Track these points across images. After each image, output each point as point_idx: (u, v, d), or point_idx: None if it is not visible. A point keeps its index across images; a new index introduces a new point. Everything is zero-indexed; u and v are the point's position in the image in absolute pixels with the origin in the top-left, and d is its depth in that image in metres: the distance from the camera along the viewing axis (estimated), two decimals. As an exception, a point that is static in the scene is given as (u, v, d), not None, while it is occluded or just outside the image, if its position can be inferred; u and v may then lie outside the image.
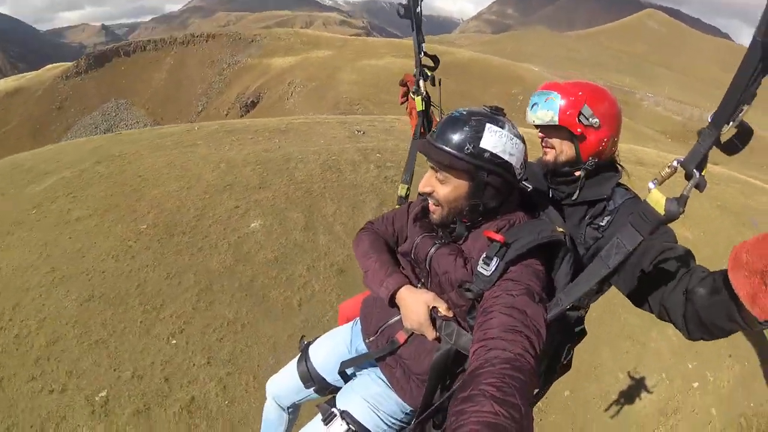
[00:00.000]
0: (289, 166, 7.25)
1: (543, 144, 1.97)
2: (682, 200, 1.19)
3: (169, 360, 4.95)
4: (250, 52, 49.98)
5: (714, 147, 1.18)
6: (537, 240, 1.45)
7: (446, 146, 1.49)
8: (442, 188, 1.56)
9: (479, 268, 1.46)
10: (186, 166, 7.39)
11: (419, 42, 2.34)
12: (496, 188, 1.53)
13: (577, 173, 1.88)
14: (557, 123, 1.83)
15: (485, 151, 1.48)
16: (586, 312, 1.78)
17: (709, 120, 1.15)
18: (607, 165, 1.91)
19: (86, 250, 6.06)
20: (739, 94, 1.06)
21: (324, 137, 8.31)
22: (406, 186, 2.28)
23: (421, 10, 2.30)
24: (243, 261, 5.84)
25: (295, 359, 2.15)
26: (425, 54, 2.37)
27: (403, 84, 2.51)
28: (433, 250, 1.65)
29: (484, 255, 1.47)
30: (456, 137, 1.49)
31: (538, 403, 2.40)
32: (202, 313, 5.33)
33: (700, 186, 1.19)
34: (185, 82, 51.36)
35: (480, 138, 1.48)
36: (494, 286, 1.41)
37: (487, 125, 1.49)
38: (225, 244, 6.00)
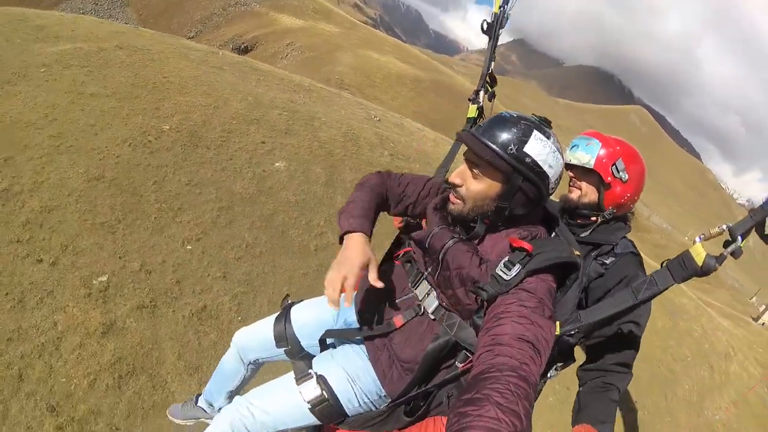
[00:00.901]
0: (314, 123, 7.04)
1: (571, 183, 2.03)
2: (720, 259, 1.27)
3: (183, 264, 4.58)
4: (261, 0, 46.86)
5: (758, 235, 1.30)
6: (560, 257, 1.42)
7: (490, 142, 1.43)
8: (474, 183, 1.50)
9: (498, 271, 1.40)
10: (213, 85, 6.89)
11: (491, 59, 2.41)
12: (527, 196, 1.48)
13: (593, 219, 1.96)
14: (592, 167, 1.90)
15: (527, 156, 1.42)
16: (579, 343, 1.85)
17: (764, 200, 1.26)
18: (621, 218, 1.99)
19: (100, 129, 5.43)
20: None
21: (345, 110, 8.16)
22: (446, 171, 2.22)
23: (499, 34, 2.39)
24: (265, 194, 5.58)
25: (273, 315, 2.00)
26: (491, 74, 2.43)
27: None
28: (450, 242, 1.55)
29: (506, 259, 1.42)
30: (502, 136, 1.43)
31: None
32: (221, 229, 5.00)
33: (735, 253, 1.27)
34: (188, 2, 46.67)
35: (525, 142, 1.42)
36: (508, 294, 1.36)
37: (535, 132, 1.44)
38: (249, 173, 5.69)
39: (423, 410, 1.58)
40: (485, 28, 2.37)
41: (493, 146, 1.42)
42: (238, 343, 2.07)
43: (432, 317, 1.59)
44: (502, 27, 2.37)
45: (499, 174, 1.45)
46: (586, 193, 1.96)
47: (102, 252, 4.41)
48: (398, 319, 1.66)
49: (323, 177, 6.24)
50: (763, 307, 38.01)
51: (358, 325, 1.77)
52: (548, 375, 1.76)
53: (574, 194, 1.99)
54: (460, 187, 1.52)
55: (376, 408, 1.70)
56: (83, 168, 4.96)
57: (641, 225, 46.49)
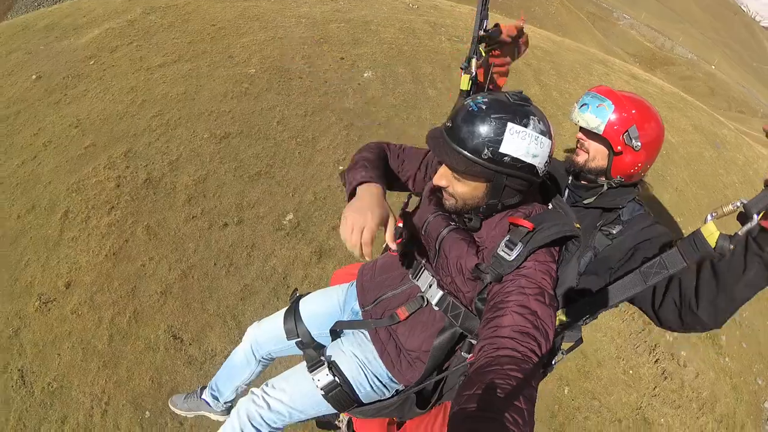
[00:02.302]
0: (371, 27, 7.05)
1: (578, 145, 1.92)
2: (735, 239, 1.23)
3: (346, 183, 4.94)
4: None
5: None
6: (561, 231, 1.39)
7: (462, 148, 1.35)
8: (459, 185, 1.45)
9: (500, 252, 1.38)
10: (263, 18, 6.86)
11: (482, 17, 2.08)
12: (516, 189, 1.44)
13: (601, 180, 1.87)
14: (601, 133, 1.79)
15: (505, 155, 1.33)
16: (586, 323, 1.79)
17: None
18: (630, 184, 1.89)
19: (194, 93, 5.56)
20: None
21: (386, 6, 8.05)
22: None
23: None
24: (372, 103, 5.79)
25: (284, 309, 2.09)
26: (485, 31, 2.08)
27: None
28: (445, 231, 1.56)
29: (506, 239, 1.40)
30: (473, 138, 1.34)
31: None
32: (355, 144, 5.27)
33: (752, 232, 1.22)
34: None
35: (500, 141, 1.32)
36: (507, 280, 1.36)
37: (509, 126, 1.33)
38: (349, 89, 5.88)
39: (435, 400, 1.66)
40: None
41: (465, 153, 1.35)
42: (252, 338, 2.15)
43: (436, 308, 1.61)
44: None
45: (480, 177, 1.40)
46: (594, 157, 1.86)
47: (274, 196, 4.76)
48: (401, 311, 1.68)
49: (409, 75, 6.40)
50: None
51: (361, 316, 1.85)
52: (553, 362, 1.76)
53: (581, 157, 1.89)
54: (447, 188, 1.48)
55: (388, 392, 1.77)
56: (206, 133, 5.17)
57: (666, 58, 45.10)
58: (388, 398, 1.76)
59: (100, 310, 4.03)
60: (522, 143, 1.33)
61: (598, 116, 1.78)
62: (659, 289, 1.54)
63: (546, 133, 1.39)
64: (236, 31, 6.51)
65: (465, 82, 2.08)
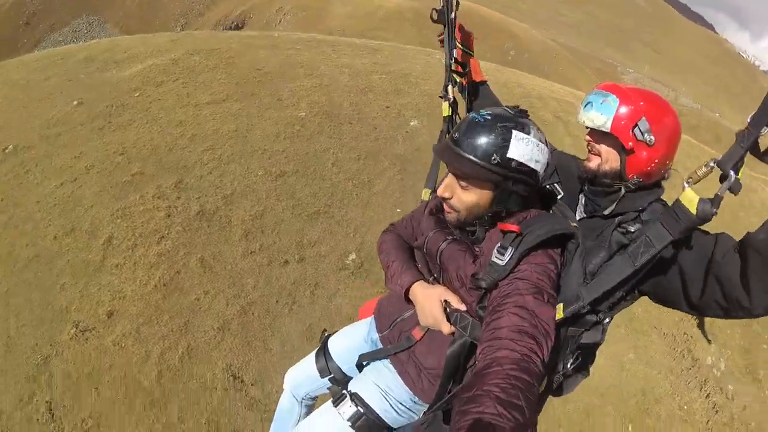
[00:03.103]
0: (410, 79, 7.49)
1: (589, 148, 1.84)
2: (716, 201, 1.21)
3: (405, 226, 5.11)
4: (234, -27, 46.50)
5: (756, 157, 1.22)
6: (552, 230, 1.46)
7: (470, 155, 1.46)
8: (464, 194, 1.54)
9: (493, 258, 1.46)
10: (307, 65, 7.24)
11: (451, 48, 2.30)
12: (520, 195, 1.53)
13: (618, 184, 1.77)
14: (608, 130, 1.70)
15: (512, 160, 1.45)
16: (603, 321, 1.75)
17: (748, 121, 1.16)
18: (651, 185, 1.77)
19: (246, 131, 5.77)
20: None
21: (420, 61, 8.62)
22: (430, 191, 2.19)
23: (455, 16, 2.32)
24: (422, 150, 6.05)
25: (315, 351, 2.23)
26: (456, 61, 2.32)
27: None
28: (444, 245, 1.66)
29: (498, 245, 1.48)
30: (481, 145, 1.45)
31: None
32: (411, 189, 5.48)
33: (734, 188, 1.21)
34: (162, 0, 46.25)
35: (507, 147, 1.45)
36: (504, 284, 1.42)
37: (514, 132, 1.46)
38: (398, 136, 6.16)
39: None
40: (436, 18, 2.32)
41: (475, 159, 1.45)
42: (289, 383, 2.32)
43: None
44: (455, 8, 2.30)
45: (487, 183, 1.50)
46: (607, 159, 1.76)
47: (335, 236, 4.86)
48: (416, 332, 1.78)
49: (453, 125, 6.82)
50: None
51: (382, 344, 1.97)
52: (569, 365, 1.75)
53: (593, 162, 1.80)
54: (451, 199, 1.56)
55: (416, 414, 1.85)
56: (261, 170, 5.32)
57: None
58: (417, 419, 1.83)
59: (147, 344, 3.92)
60: (527, 149, 1.46)
61: (603, 113, 1.70)
62: (692, 290, 1.48)
63: (544, 141, 1.53)
64: (282, 76, 6.85)
65: (446, 109, 2.32)
